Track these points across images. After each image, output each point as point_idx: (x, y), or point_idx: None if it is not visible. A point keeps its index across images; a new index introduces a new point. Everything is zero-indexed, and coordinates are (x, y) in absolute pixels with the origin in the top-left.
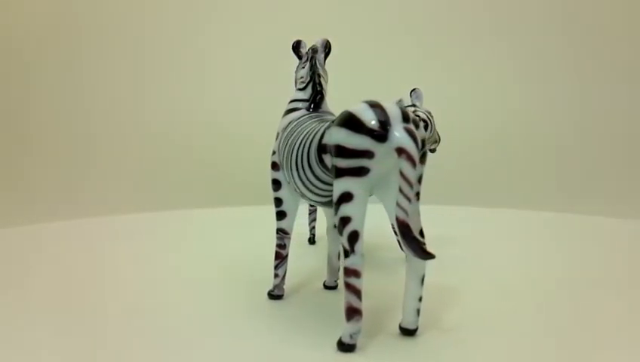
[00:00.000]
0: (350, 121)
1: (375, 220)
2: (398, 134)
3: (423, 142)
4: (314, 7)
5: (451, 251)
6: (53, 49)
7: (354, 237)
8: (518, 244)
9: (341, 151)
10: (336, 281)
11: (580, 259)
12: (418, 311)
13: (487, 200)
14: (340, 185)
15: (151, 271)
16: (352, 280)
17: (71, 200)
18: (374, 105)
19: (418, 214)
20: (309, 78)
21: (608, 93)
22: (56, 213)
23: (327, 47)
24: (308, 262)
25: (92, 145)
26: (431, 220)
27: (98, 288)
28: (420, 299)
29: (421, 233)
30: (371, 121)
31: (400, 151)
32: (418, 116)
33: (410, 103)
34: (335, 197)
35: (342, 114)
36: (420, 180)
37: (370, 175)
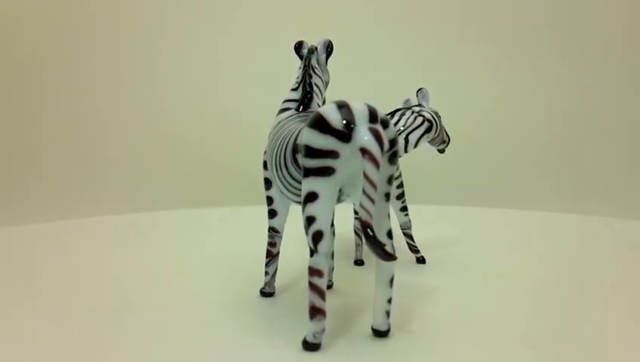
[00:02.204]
0: (317, 122)
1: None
2: (363, 134)
3: (394, 141)
4: (319, 7)
5: (448, 251)
6: (52, 49)
7: (318, 236)
8: (517, 245)
9: (308, 151)
10: (330, 281)
11: (578, 260)
12: (388, 312)
13: (487, 200)
14: (307, 185)
15: (148, 270)
16: (315, 280)
17: (71, 200)
18: (341, 106)
19: (386, 215)
20: (301, 79)
21: (609, 93)
22: (56, 213)
23: (329, 47)
24: (304, 261)
25: (91, 145)
26: (430, 220)
27: (96, 286)
28: (390, 301)
29: (389, 234)
30: (336, 121)
31: (363, 151)
32: (423, 116)
33: (416, 103)
34: (302, 197)
35: (312, 114)
36: (390, 181)
37: (337, 175)
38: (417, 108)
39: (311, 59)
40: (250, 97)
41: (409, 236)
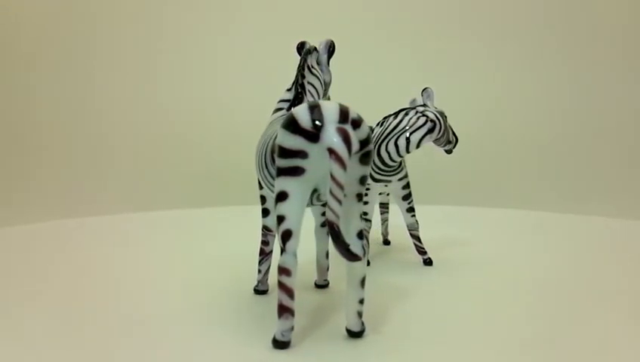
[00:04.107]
0: (289, 122)
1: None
2: (330, 134)
3: (366, 142)
4: (319, 7)
5: (450, 252)
6: (52, 49)
7: (287, 235)
8: (517, 245)
9: (280, 151)
10: (326, 280)
11: (578, 260)
12: (360, 313)
13: (488, 200)
14: (278, 185)
15: (147, 270)
16: (284, 279)
17: (71, 200)
18: (312, 106)
19: (357, 216)
20: (295, 79)
21: (609, 93)
22: (56, 213)
23: (331, 48)
24: (302, 261)
25: (91, 145)
26: (432, 220)
27: (96, 286)
28: (362, 302)
29: (360, 235)
30: (305, 121)
31: (330, 151)
32: (426, 116)
33: (421, 103)
34: (274, 196)
35: (286, 115)
36: (362, 181)
37: (307, 175)
38: (421, 108)
39: (307, 60)
40: (250, 97)
41: (416, 237)
